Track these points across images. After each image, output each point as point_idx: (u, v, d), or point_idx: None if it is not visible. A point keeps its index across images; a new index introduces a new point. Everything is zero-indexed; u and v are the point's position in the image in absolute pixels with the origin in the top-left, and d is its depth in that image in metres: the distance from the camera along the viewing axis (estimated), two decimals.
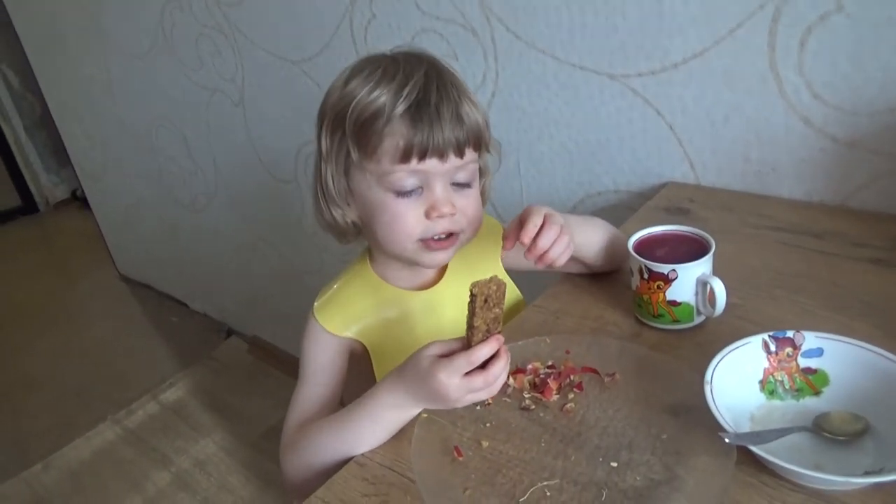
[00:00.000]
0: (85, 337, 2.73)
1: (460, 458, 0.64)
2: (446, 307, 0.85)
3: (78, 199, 4.11)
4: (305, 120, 1.70)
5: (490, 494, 0.60)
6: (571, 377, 0.72)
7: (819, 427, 0.59)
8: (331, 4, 1.44)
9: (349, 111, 0.73)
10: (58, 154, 3.99)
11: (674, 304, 0.74)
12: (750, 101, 0.97)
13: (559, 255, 0.74)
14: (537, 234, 0.73)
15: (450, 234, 0.77)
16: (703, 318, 0.76)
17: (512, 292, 0.93)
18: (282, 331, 2.32)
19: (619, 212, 1.16)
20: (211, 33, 1.79)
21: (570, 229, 0.76)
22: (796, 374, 0.64)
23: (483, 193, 0.84)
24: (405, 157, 0.72)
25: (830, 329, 0.65)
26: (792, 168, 0.98)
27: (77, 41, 2.35)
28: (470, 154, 0.76)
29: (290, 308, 2.16)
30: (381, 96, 0.72)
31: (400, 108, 0.71)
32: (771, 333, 0.64)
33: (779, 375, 0.64)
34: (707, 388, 0.59)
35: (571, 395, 0.70)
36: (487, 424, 0.68)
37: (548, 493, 0.59)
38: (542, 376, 0.72)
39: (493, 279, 0.60)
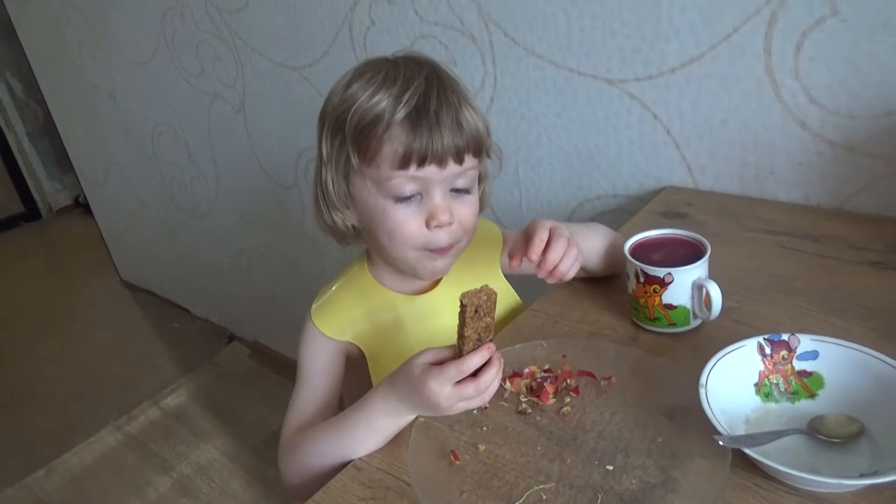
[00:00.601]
0: (87, 343, 2.73)
1: (457, 462, 0.64)
2: (444, 312, 0.85)
3: (80, 206, 4.13)
4: (306, 125, 1.71)
5: (486, 498, 0.60)
6: (568, 381, 0.72)
7: (814, 430, 0.59)
8: (330, 11, 1.45)
9: (349, 116, 0.73)
10: (60, 161, 4.01)
11: (670, 307, 0.74)
12: (747, 106, 0.97)
13: (568, 269, 0.74)
14: (545, 250, 0.73)
15: (450, 245, 0.77)
16: (699, 321, 0.76)
17: (511, 297, 0.93)
18: (283, 336, 2.32)
19: (618, 216, 1.17)
20: (212, 40, 1.80)
21: (575, 240, 0.76)
22: (791, 377, 0.64)
23: (483, 198, 0.84)
24: (404, 163, 0.72)
25: (827, 332, 0.65)
26: (789, 172, 0.98)
27: (79, 49, 2.37)
28: (469, 161, 0.76)
29: (291, 313, 2.16)
30: (382, 102, 0.72)
31: (400, 114, 0.71)
32: (766, 336, 0.65)
33: (774, 378, 0.64)
34: (702, 391, 0.60)
35: (568, 399, 0.70)
36: (484, 428, 0.68)
37: (544, 497, 0.59)
38: (538, 380, 0.72)
39: (484, 289, 0.60)
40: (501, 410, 0.70)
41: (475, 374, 0.62)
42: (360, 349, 0.84)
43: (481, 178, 0.83)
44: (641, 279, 0.74)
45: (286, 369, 2.25)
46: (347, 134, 0.74)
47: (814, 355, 0.64)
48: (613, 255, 0.85)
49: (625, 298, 0.80)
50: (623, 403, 0.68)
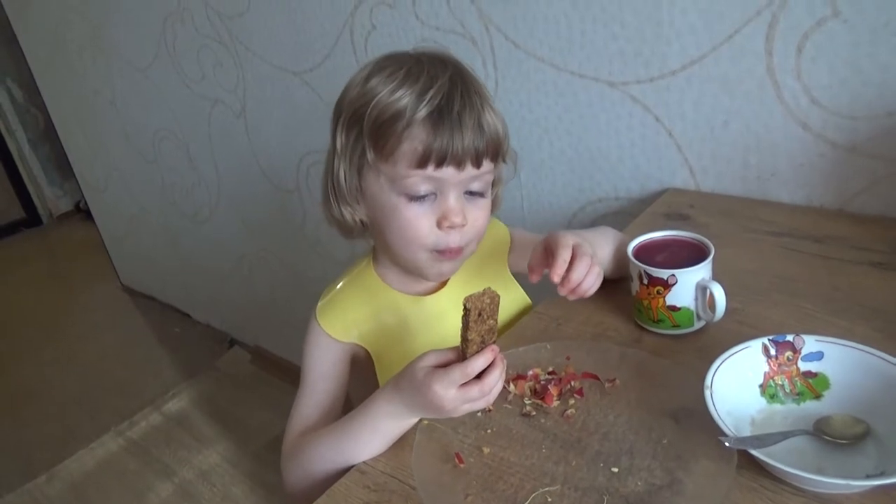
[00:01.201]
0: (88, 348, 2.73)
1: (461, 465, 0.64)
2: (451, 313, 0.84)
3: (81, 211, 4.13)
4: (307, 130, 1.71)
5: (491, 501, 0.60)
6: (572, 383, 0.72)
7: (820, 431, 0.59)
8: (331, 16, 1.45)
9: (368, 110, 0.72)
10: (61, 167, 4.02)
11: (673, 309, 0.74)
12: (748, 107, 0.97)
13: (590, 287, 0.73)
14: (568, 269, 0.72)
15: (459, 248, 0.77)
16: (703, 322, 0.76)
17: (521, 298, 0.93)
18: (285, 340, 2.32)
19: (620, 218, 1.17)
20: (212, 45, 1.80)
21: (597, 257, 0.75)
22: (797, 378, 0.64)
23: (495, 201, 0.83)
24: (422, 162, 0.71)
25: (831, 333, 0.64)
26: (791, 173, 0.98)
27: (80, 55, 2.37)
28: (487, 165, 0.75)
29: (293, 317, 2.16)
30: (403, 98, 0.70)
31: (422, 113, 0.70)
32: (771, 337, 0.64)
33: (779, 379, 0.64)
34: (707, 393, 0.59)
35: (572, 401, 0.70)
36: (488, 431, 0.68)
37: (549, 500, 0.59)
38: (542, 382, 0.72)
39: (486, 292, 0.60)
40: (505, 413, 0.70)
41: (479, 375, 0.62)
42: (366, 350, 0.84)
43: (495, 182, 0.82)
44: (645, 281, 0.74)
45: (288, 374, 2.25)
46: (365, 128, 0.72)
47: (819, 356, 0.63)
48: (622, 258, 0.84)
49: (628, 300, 0.80)
50: (627, 405, 0.68)
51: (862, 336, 0.64)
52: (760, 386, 0.64)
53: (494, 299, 0.60)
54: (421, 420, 0.67)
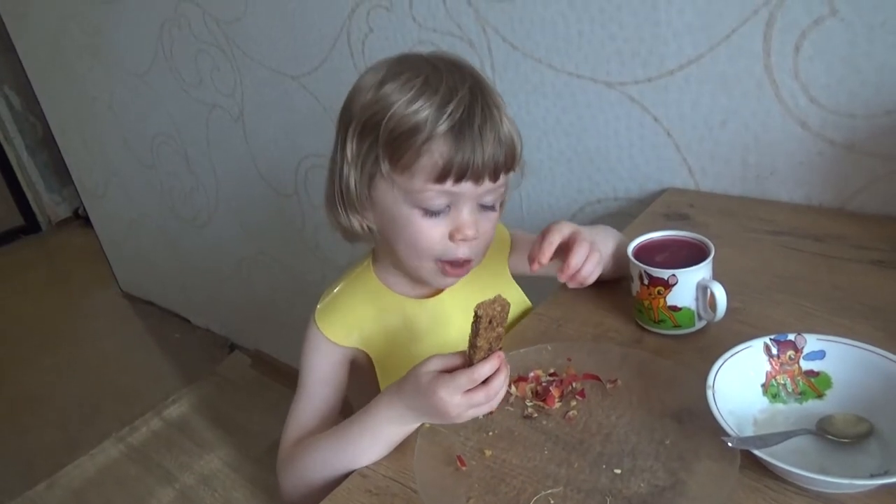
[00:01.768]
0: (88, 354, 2.73)
1: (463, 468, 0.64)
2: (453, 315, 0.84)
3: (80, 218, 4.13)
4: (305, 133, 1.71)
5: (494, 503, 0.60)
6: (573, 384, 0.71)
7: (823, 430, 0.59)
8: (328, 19, 1.45)
9: (385, 120, 0.69)
10: (59, 173, 4.01)
11: (674, 309, 0.74)
12: (747, 106, 0.97)
13: (590, 273, 0.73)
14: (568, 255, 0.72)
15: (467, 260, 0.76)
16: (704, 322, 0.75)
17: (520, 300, 0.92)
18: (285, 344, 2.32)
19: (619, 219, 1.17)
20: (210, 50, 1.80)
21: (597, 245, 0.75)
22: (799, 377, 0.64)
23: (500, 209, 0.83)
24: (441, 177, 0.69)
25: (832, 332, 0.64)
26: (790, 172, 0.98)
27: (78, 61, 2.37)
28: (503, 178, 0.74)
29: (292, 321, 2.16)
30: (423, 110, 0.68)
31: (443, 127, 0.68)
32: (772, 337, 0.64)
33: (781, 379, 0.64)
34: (709, 393, 0.59)
35: (574, 403, 0.69)
36: (490, 433, 0.68)
37: (552, 502, 0.58)
38: (544, 384, 0.72)
39: (497, 299, 0.60)
40: (507, 415, 0.70)
41: (484, 381, 0.61)
42: (366, 354, 0.83)
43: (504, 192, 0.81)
44: (645, 281, 0.74)
45: (288, 378, 2.24)
46: (381, 138, 0.70)
47: (821, 355, 0.63)
48: (622, 257, 0.84)
49: (629, 301, 0.79)
50: (629, 406, 0.68)
51: (863, 335, 0.64)
52: (762, 385, 0.64)
53: (505, 307, 0.60)
54: (423, 423, 0.67)
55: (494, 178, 0.72)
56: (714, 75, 0.98)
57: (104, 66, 2.26)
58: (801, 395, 0.63)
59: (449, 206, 0.73)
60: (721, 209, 1.01)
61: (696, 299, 0.73)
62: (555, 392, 0.70)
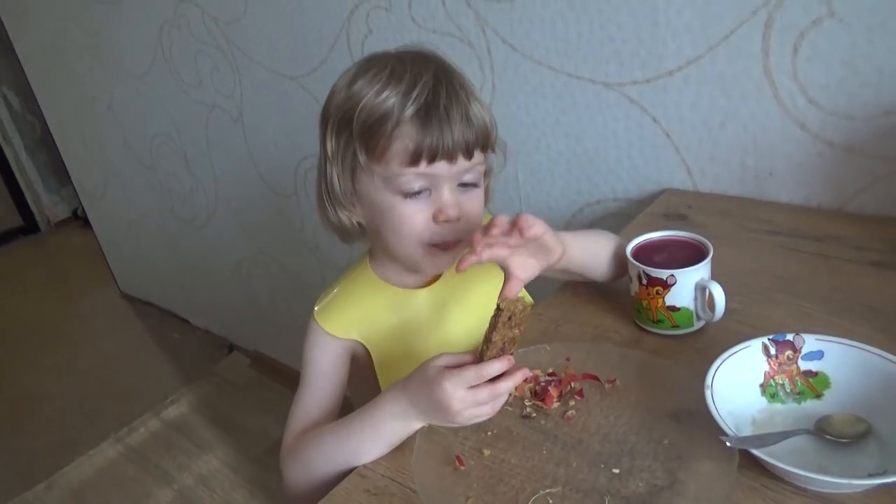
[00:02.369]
0: (87, 355, 2.73)
1: (462, 468, 0.64)
2: (448, 304, 0.85)
3: (79, 218, 4.12)
4: (304, 134, 1.71)
5: (492, 503, 0.60)
6: (572, 384, 0.72)
7: (821, 430, 0.59)
8: (327, 20, 1.45)
9: (356, 113, 0.72)
10: (58, 174, 4.01)
11: (673, 309, 0.74)
12: (745, 107, 0.97)
13: (533, 223, 0.68)
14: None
15: (455, 241, 0.77)
16: (702, 322, 0.76)
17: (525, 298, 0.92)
18: (284, 345, 2.32)
19: (618, 220, 1.17)
20: (209, 50, 1.80)
21: (557, 236, 0.73)
22: (797, 378, 0.64)
23: (486, 193, 0.83)
24: (414, 160, 0.72)
25: (831, 332, 0.64)
26: (789, 173, 0.98)
27: (77, 61, 2.37)
28: (478, 155, 0.76)
29: (292, 322, 2.16)
30: (390, 98, 0.71)
31: (409, 111, 0.71)
32: (771, 337, 0.64)
33: (780, 379, 0.64)
34: (708, 393, 0.59)
35: (572, 403, 0.69)
36: (489, 433, 0.68)
37: (550, 501, 0.59)
38: (542, 384, 0.72)
39: (521, 299, 0.60)
40: (506, 415, 0.70)
41: (490, 381, 0.62)
42: (365, 347, 0.84)
43: (486, 172, 0.82)
44: (644, 281, 0.74)
45: (287, 378, 2.24)
46: (354, 131, 0.73)
47: (819, 355, 0.63)
48: (620, 260, 0.84)
49: (628, 301, 0.79)
50: (628, 406, 0.68)
51: (862, 335, 0.64)
52: (761, 385, 0.64)
53: (526, 308, 0.61)
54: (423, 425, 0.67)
55: (468, 156, 0.74)
56: (713, 76, 0.98)
57: (104, 66, 2.26)
58: (800, 395, 0.63)
59: (429, 189, 0.74)
60: (720, 210, 1.01)
61: (695, 299, 0.73)
62: (553, 392, 0.70)
